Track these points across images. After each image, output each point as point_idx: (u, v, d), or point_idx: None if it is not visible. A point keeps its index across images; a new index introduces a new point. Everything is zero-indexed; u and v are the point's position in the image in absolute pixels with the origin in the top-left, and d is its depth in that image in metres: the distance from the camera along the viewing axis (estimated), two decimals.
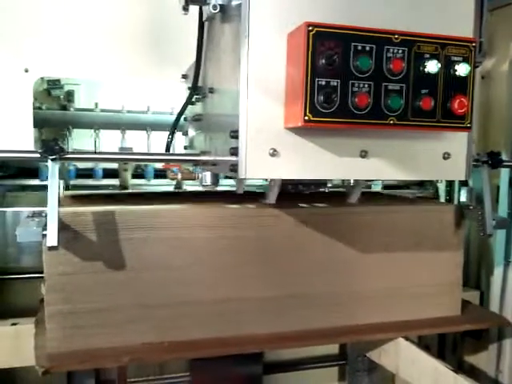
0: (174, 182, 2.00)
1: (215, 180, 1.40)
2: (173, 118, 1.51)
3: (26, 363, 1.37)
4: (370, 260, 1.38)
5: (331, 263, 1.35)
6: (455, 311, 1.49)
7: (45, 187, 1.11)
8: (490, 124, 1.95)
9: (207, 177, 1.40)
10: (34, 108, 1.63)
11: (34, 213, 1.28)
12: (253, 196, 1.37)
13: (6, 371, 1.66)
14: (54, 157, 1.09)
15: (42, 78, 1.96)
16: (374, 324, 1.40)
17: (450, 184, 2.15)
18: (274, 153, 0.98)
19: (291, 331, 1.32)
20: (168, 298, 1.24)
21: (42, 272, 1.18)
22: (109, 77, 1.82)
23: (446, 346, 2.05)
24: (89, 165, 2.01)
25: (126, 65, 1.72)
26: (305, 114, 0.89)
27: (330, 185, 1.31)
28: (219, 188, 1.45)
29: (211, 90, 1.23)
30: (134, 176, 2.02)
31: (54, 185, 1.08)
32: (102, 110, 2.08)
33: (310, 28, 0.88)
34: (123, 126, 2.09)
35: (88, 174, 2.02)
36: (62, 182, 1.84)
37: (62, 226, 1.09)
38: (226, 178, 1.53)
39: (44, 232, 1.05)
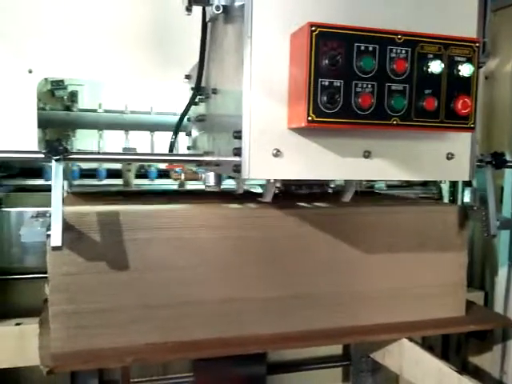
0: (177, 183, 2.00)
1: (218, 180, 1.41)
2: (176, 118, 1.51)
3: (30, 363, 1.38)
4: (373, 260, 1.38)
5: (335, 263, 1.35)
6: (459, 312, 1.48)
7: (48, 187, 1.12)
8: (493, 124, 1.95)
9: (210, 177, 1.40)
10: (37, 108, 1.64)
11: (38, 213, 1.28)
12: (251, 196, 1.38)
13: (11, 371, 1.66)
14: (57, 157, 1.10)
15: (45, 79, 1.96)
16: (377, 325, 1.39)
17: (453, 184, 2.15)
18: (277, 153, 0.98)
19: (295, 331, 1.32)
20: (171, 299, 1.24)
21: (45, 272, 1.18)
22: (112, 77, 1.83)
23: (450, 346, 2.04)
24: (92, 165, 2.01)
25: (129, 65, 1.72)
26: (308, 115, 0.89)
27: (332, 185, 1.31)
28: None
29: (214, 91, 1.24)
30: (137, 176, 2.03)
31: (58, 185, 1.08)
32: (106, 111, 2.08)
33: (313, 28, 0.88)
34: (126, 126, 2.09)
35: (91, 174, 2.03)
36: (65, 182, 1.85)
37: (66, 227, 1.09)
38: (229, 178, 1.53)
39: (48, 232, 1.05)
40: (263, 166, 0.98)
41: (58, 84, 2.06)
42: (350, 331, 1.36)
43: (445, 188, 2.18)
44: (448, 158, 1.10)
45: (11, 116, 1.60)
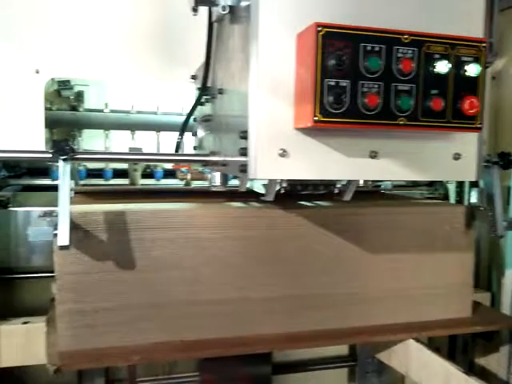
0: (183, 182, 2.01)
1: (224, 180, 1.41)
2: (182, 118, 1.51)
3: (38, 361, 1.39)
4: (379, 261, 1.38)
5: (340, 264, 1.35)
6: (466, 313, 1.48)
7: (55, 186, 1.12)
8: (500, 125, 1.94)
9: (216, 177, 1.41)
10: (44, 109, 1.65)
11: (45, 212, 1.29)
12: (255, 195, 1.38)
13: (18, 369, 1.67)
14: (65, 157, 1.10)
15: (52, 79, 1.97)
16: (384, 325, 1.39)
17: (460, 185, 2.14)
18: (283, 153, 0.98)
19: (301, 332, 1.32)
20: (177, 298, 1.24)
21: (52, 271, 1.19)
22: (118, 77, 1.83)
23: (457, 347, 2.03)
24: (99, 165, 2.02)
25: (135, 65, 1.73)
26: (314, 115, 0.89)
27: (338, 185, 1.30)
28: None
29: (221, 91, 1.24)
30: (143, 176, 2.04)
31: (65, 185, 1.09)
32: (112, 111, 2.09)
33: (320, 28, 0.88)
34: (133, 126, 2.10)
35: (98, 174, 2.04)
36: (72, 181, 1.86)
37: (73, 226, 1.10)
38: (235, 177, 1.53)
39: (55, 231, 1.06)
40: (269, 166, 0.98)
41: (65, 84, 2.07)
42: (356, 332, 1.36)
43: (451, 188, 2.17)
44: (455, 159, 1.09)
45: (19, 116, 1.61)
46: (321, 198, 1.41)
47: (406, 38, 0.93)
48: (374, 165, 1.03)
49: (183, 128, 1.48)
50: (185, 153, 1.63)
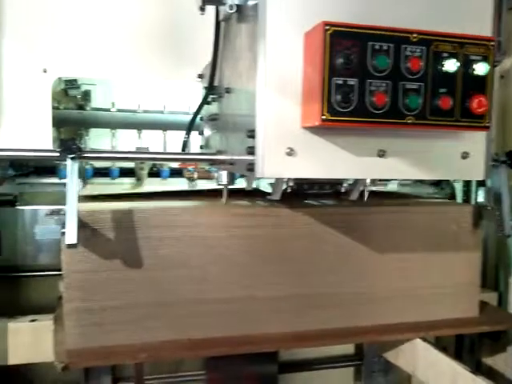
0: (190, 181, 2.01)
1: (231, 179, 1.41)
2: (189, 117, 1.52)
3: (45, 359, 1.39)
4: (386, 260, 1.38)
5: (348, 263, 1.35)
6: (473, 312, 1.47)
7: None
8: (508, 124, 1.92)
9: (223, 176, 1.41)
10: (51, 108, 1.66)
11: (52, 211, 1.30)
12: (261, 194, 1.38)
13: (24, 366, 1.68)
14: (72, 156, 1.11)
15: (59, 78, 1.98)
16: (391, 324, 1.39)
17: (466, 184, 2.13)
18: (290, 152, 0.97)
19: (308, 331, 1.32)
20: (184, 296, 1.25)
21: (59, 269, 1.19)
22: (125, 76, 1.84)
23: (464, 347, 2.03)
24: (105, 164, 2.03)
25: (142, 64, 1.73)
26: (322, 114, 0.89)
27: (345, 184, 1.30)
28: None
29: (228, 90, 1.24)
30: (150, 175, 2.04)
31: (73, 183, 1.09)
32: (119, 110, 2.10)
33: (327, 27, 0.88)
34: (139, 125, 2.11)
35: (104, 172, 2.05)
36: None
37: (81, 224, 1.11)
38: (241, 176, 1.53)
39: (63, 230, 1.06)
40: (277, 165, 0.98)
41: (72, 83, 2.08)
42: (363, 331, 1.36)
43: (458, 187, 2.16)
44: (463, 158, 1.09)
45: (27, 115, 1.62)
46: (327, 197, 1.41)
47: (415, 37, 0.93)
48: (381, 164, 1.03)
49: (190, 127, 1.48)
50: (191, 152, 1.63)
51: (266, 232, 1.29)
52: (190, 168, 1.56)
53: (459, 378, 1.35)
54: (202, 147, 1.68)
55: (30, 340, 1.46)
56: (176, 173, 2.10)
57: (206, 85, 1.43)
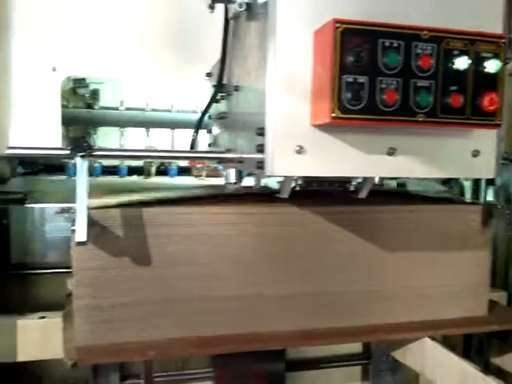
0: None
1: (239, 177, 1.41)
2: (197, 116, 1.52)
3: (54, 356, 1.40)
4: (395, 259, 1.37)
5: (356, 262, 1.35)
6: (482, 312, 1.47)
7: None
8: None
9: (231, 174, 1.41)
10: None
11: (62, 209, 1.30)
12: (270, 192, 1.38)
13: (32, 363, 1.69)
14: (82, 154, 1.11)
15: (68, 77, 1.99)
16: (399, 323, 1.38)
17: (475, 182, 2.12)
18: (300, 150, 0.97)
19: (316, 329, 1.32)
20: (192, 294, 1.25)
21: (67, 267, 1.20)
22: (134, 75, 1.84)
23: (472, 347, 2.01)
24: (114, 162, 2.04)
25: (150, 63, 1.73)
26: (332, 111, 0.89)
27: (354, 182, 1.30)
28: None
29: (236, 88, 1.24)
30: (157, 173, 2.05)
31: (83, 181, 1.10)
32: (127, 109, 2.11)
33: (338, 25, 0.88)
34: (147, 124, 2.12)
35: (113, 170, 2.06)
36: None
37: (90, 222, 1.11)
38: (249, 175, 1.53)
39: (73, 227, 1.07)
40: (286, 163, 0.98)
41: (80, 82, 2.10)
42: (371, 329, 1.36)
43: (467, 186, 2.15)
44: (473, 156, 1.08)
45: (36, 113, 1.63)
46: (336, 195, 1.40)
47: (425, 34, 0.93)
48: (391, 162, 1.02)
49: (198, 125, 1.49)
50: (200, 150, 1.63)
51: (274, 230, 1.29)
52: (199, 166, 1.56)
53: (468, 377, 1.34)
54: (210, 145, 1.68)
55: (39, 337, 1.47)
56: (183, 171, 2.11)
57: (214, 83, 1.43)
